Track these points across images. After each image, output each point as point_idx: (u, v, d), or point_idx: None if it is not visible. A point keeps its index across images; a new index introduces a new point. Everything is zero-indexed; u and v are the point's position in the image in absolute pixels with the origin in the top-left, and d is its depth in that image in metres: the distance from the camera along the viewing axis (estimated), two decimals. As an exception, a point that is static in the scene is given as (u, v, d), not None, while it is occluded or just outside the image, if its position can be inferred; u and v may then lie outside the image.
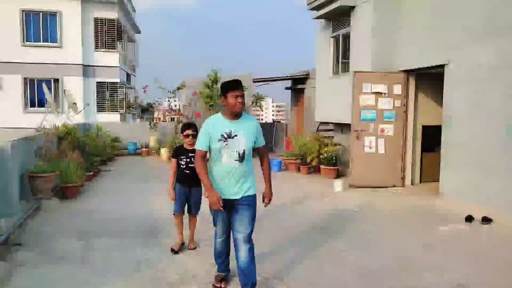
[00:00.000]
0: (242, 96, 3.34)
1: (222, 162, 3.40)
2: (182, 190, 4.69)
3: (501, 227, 5.83)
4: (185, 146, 4.70)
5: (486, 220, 6.08)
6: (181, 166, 4.63)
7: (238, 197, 3.44)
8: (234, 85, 3.36)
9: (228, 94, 3.34)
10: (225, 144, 3.35)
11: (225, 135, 3.35)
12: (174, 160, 4.72)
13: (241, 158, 3.39)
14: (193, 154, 3.84)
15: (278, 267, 4.27)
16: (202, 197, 4.63)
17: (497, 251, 4.91)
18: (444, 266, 4.38)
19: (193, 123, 4.80)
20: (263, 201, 3.63)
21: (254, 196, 3.53)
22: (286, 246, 4.98)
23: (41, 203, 6.60)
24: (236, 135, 3.37)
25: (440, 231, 5.68)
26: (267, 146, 3.99)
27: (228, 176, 3.41)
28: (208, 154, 3.50)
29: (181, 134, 4.74)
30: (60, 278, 3.99)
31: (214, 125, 3.40)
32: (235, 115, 3.42)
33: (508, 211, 5.98)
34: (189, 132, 4.63)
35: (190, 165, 4.55)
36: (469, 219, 6.15)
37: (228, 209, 3.46)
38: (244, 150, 3.39)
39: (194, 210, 4.81)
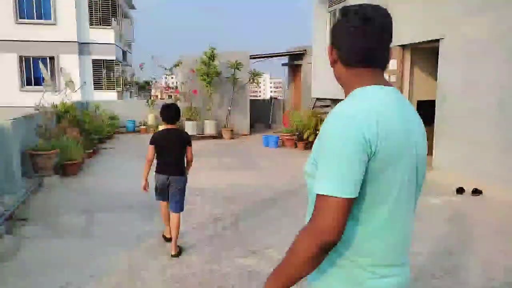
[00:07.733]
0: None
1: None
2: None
3: (490, 198, 6.02)
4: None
5: (476, 192, 6.26)
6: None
7: None
8: None
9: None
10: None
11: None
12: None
13: None
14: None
15: (274, 240, 4.48)
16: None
17: (486, 220, 5.11)
18: (434, 236, 4.57)
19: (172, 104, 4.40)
20: None
21: None
22: (286, 225, 5.17)
23: (43, 180, 6.76)
24: None
25: (432, 203, 5.86)
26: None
27: None
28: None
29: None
30: (66, 250, 4.17)
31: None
32: None
33: (498, 183, 6.15)
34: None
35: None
36: (460, 191, 6.34)
37: None
38: None
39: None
